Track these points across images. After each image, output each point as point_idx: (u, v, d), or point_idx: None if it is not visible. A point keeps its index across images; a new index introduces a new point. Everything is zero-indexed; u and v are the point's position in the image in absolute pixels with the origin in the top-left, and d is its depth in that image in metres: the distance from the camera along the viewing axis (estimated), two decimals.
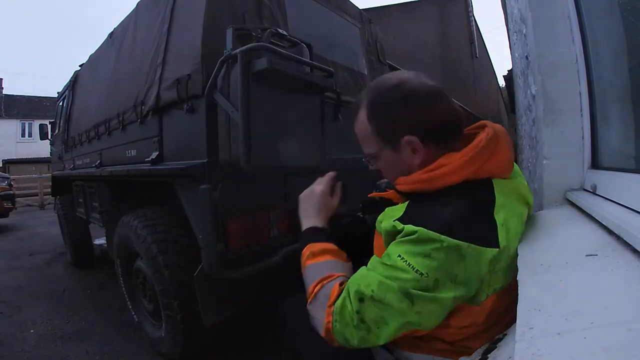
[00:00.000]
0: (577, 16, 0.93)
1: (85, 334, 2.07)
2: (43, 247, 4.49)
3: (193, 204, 1.33)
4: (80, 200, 2.95)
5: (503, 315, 0.62)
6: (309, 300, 0.70)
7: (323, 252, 0.76)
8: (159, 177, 1.59)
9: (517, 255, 0.60)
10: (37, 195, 9.66)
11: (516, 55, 1.42)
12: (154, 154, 1.56)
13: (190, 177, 1.30)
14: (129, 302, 1.94)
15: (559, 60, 0.93)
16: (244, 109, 1.09)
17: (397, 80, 0.67)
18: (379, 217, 0.70)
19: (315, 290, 0.68)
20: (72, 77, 3.32)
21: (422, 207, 0.62)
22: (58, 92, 3.99)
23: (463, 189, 0.61)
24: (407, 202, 0.66)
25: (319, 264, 0.74)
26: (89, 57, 2.89)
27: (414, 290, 0.55)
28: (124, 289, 1.95)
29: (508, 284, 0.60)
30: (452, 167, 0.61)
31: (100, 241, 3.54)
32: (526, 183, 0.73)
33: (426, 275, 0.55)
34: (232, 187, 1.25)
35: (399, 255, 0.57)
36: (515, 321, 0.42)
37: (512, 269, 0.59)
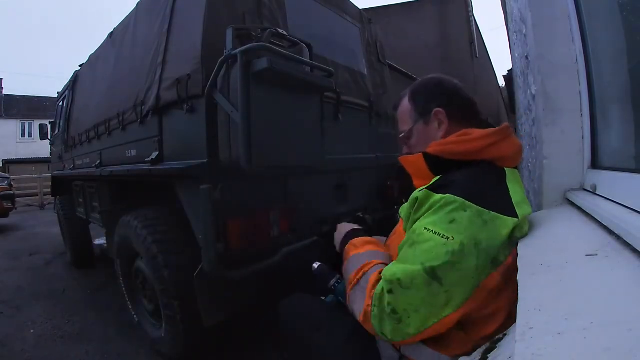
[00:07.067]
0: (577, 16, 0.92)
1: (85, 334, 2.07)
2: (43, 247, 4.49)
3: (193, 204, 1.33)
4: (80, 200, 2.95)
5: (502, 307, 0.62)
6: (350, 287, 0.74)
7: (364, 244, 0.82)
8: (159, 177, 1.59)
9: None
10: (37, 195, 9.64)
11: (516, 55, 1.42)
12: (154, 154, 1.56)
13: (190, 177, 1.29)
14: (129, 302, 1.93)
15: (559, 60, 0.93)
16: (244, 109, 1.09)
17: (434, 75, 0.88)
18: (402, 207, 0.77)
19: (358, 276, 0.72)
20: (72, 77, 3.32)
21: (449, 177, 0.68)
22: (58, 92, 3.99)
23: (485, 166, 0.70)
24: (435, 178, 0.72)
25: (360, 254, 0.79)
26: (89, 57, 2.89)
27: (438, 266, 0.57)
28: (124, 289, 1.95)
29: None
30: (477, 134, 0.73)
31: (100, 241, 3.53)
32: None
33: (452, 238, 0.58)
34: (232, 187, 1.25)
35: (425, 228, 0.61)
36: (515, 321, 0.42)
37: None
